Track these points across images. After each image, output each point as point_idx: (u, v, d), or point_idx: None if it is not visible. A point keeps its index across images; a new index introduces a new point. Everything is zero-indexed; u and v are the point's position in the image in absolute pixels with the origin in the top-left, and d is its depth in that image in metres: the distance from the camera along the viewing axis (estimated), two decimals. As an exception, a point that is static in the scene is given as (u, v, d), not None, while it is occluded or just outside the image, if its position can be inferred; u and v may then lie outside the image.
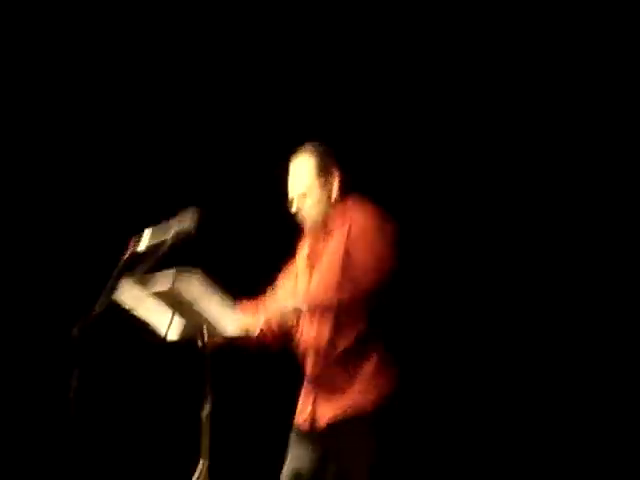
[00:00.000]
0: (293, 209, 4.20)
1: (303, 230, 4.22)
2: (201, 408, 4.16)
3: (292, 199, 4.19)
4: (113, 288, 4.05)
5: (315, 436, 4.13)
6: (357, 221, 4.08)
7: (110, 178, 5.69)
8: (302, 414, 4.19)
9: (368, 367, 4.06)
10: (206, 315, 4.08)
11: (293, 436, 4.23)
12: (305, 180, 4.15)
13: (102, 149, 5.72)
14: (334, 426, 4.07)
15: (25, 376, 5.47)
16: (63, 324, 4.30)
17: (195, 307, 4.06)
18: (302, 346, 4.18)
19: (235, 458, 5.14)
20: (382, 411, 4.04)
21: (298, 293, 4.16)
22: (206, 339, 4.15)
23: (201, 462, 4.16)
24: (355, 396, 4.04)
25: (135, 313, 4.15)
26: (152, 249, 4.07)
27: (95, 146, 5.72)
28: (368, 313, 4.05)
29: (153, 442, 5.46)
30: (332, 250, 4.10)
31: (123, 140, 5.71)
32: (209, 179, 5.55)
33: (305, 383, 4.22)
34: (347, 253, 4.04)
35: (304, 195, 4.15)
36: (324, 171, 4.14)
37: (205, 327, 4.14)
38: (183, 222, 4.05)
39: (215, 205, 4.41)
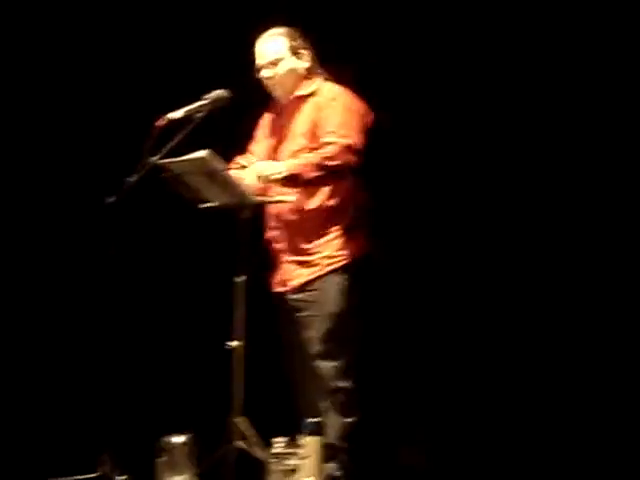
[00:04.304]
0: (260, 76, 4.32)
1: (270, 98, 4.38)
2: (235, 276, 4.21)
3: (259, 66, 4.31)
4: (150, 155, 4.12)
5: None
6: (326, 93, 4.26)
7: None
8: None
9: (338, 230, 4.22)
10: (235, 179, 4.19)
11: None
12: (276, 49, 4.30)
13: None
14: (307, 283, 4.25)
15: (65, 243, 5.46)
16: (100, 192, 4.32)
17: (224, 175, 4.17)
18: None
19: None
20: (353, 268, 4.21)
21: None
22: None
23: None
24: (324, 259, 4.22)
25: (173, 180, 4.21)
26: (189, 115, 4.20)
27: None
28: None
29: (185, 312, 5.47)
30: (302, 120, 4.26)
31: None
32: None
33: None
34: (314, 124, 4.20)
35: (274, 63, 4.28)
36: (295, 47, 4.31)
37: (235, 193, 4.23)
38: (218, 92, 4.25)
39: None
